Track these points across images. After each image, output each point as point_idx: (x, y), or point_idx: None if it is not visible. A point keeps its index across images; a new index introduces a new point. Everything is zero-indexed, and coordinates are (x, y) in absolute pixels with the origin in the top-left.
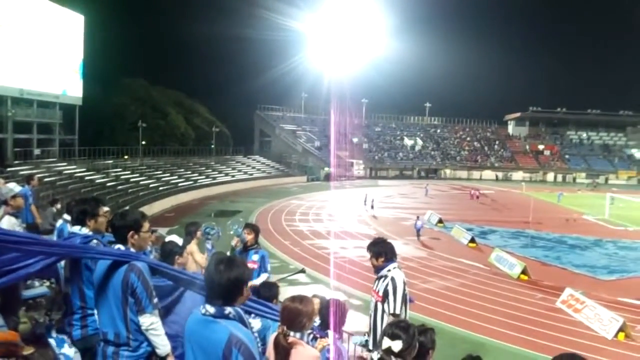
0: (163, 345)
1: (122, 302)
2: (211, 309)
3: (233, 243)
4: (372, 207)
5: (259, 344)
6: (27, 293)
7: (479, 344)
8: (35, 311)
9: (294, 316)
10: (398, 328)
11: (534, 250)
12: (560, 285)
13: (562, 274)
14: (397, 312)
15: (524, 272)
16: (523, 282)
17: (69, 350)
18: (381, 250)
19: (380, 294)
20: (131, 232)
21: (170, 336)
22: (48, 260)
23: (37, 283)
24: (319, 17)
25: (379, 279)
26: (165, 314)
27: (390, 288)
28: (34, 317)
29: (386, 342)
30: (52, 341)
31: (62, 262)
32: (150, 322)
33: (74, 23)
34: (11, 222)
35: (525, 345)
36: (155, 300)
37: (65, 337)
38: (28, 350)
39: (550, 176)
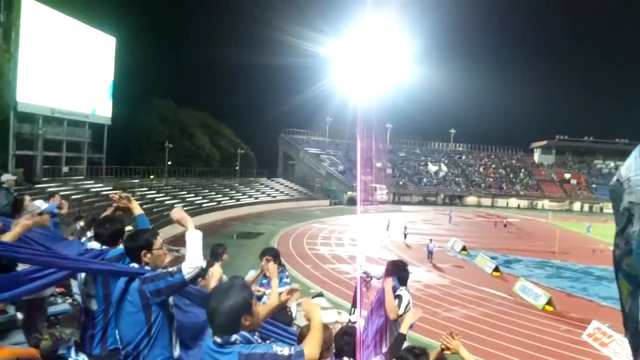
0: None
1: (145, 314)
2: (218, 339)
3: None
4: (405, 236)
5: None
6: (50, 310)
7: None
8: (56, 328)
9: None
10: (410, 353)
11: (560, 281)
12: (587, 318)
13: (588, 305)
14: (404, 332)
15: (549, 303)
16: (548, 314)
17: None
18: (393, 272)
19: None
20: (144, 252)
21: None
22: (62, 274)
23: (59, 300)
24: (344, 43)
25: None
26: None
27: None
28: (55, 334)
29: None
30: None
31: (82, 278)
32: (189, 273)
33: (106, 44)
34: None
35: None
36: (174, 268)
37: (85, 356)
38: None
39: (576, 205)
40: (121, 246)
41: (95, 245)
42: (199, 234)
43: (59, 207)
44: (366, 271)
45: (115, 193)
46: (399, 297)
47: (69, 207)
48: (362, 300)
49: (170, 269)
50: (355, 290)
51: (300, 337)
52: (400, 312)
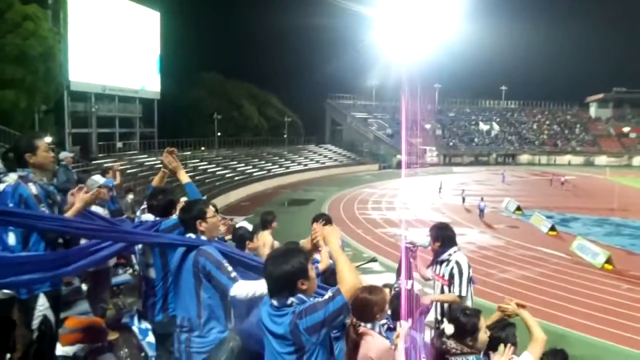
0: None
1: (195, 286)
2: (275, 302)
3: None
4: (464, 199)
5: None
6: (112, 281)
7: (561, 336)
8: (119, 298)
9: (364, 306)
10: (460, 312)
11: (619, 239)
12: None
13: None
14: (463, 294)
15: (608, 261)
16: (607, 272)
17: (152, 339)
18: (438, 235)
19: (446, 277)
20: (198, 221)
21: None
22: (120, 246)
23: (120, 271)
24: (388, 1)
25: (440, 263)
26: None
27: (456, 271)
28: (118, 303)
29: (444, 323)
30: (135, 329)
31: (140, 248)
32: (235, 293)
33: (151, 20)
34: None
35: (610, 338)
36: (233, 274)
37: (147, 324)
38: (113, 336)
39: (636, 160)
40: (174, 216)
41: (149, 217)
42: (264, 287)
43: (114, 178)
44: (412, 241)
45: (165, 151)
46: (457, 264)
47: (122, 177)
48: (411, 271)
49: (229, 268)
50: (400, 262)
51: (353, 302)
52: (464, 280)
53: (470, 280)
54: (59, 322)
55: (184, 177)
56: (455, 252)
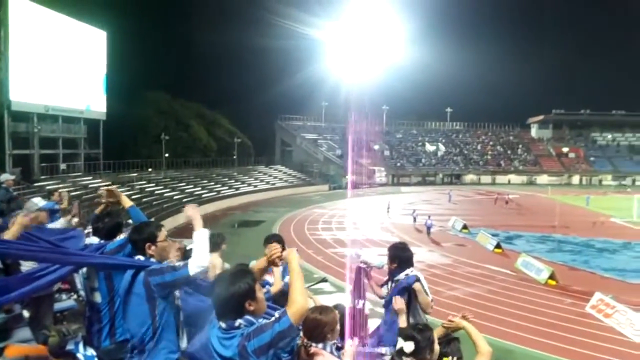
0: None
1: (149, 307)
2: (223, 325)
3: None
4: (415, 219)
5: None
6: (55, 306)
7: (507, 351)
8: (62, 325)
9: (314, 327)
10: (414, 329)
11: (562, 255)
12: (590, 290)
13: (590, 278)
14: (430, 297)
15: (551, 277)
16: (551, 288)
17: None
18: (395, 256)
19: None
20: (148, 244)
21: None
22: (65, 270)
23: (64, 296)
24: (337, 25)
25: (395, 282)
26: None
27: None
28: (62, 330)
29: (400, 343)
30: (80, 356)
31: (85, 272)
32: (194, 272)
33: (97, 39)
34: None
35: (555, 352)
36: (180, 262)
37: (93, 350)
38: None
39: (575, 179)
40: (118, 238)
41: (94, 240)
42: (207, 232)
43: (59, 202)
44: (365, 260)
45: (103, 189)
46: (417, 280)
47: (69, 200)
48: (363, 291)
49: (176, 264)
50: (355, 282)
51: (305, 321)
52: (428, 290)
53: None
54: None
55: (127, 202)
56: (412, 272)
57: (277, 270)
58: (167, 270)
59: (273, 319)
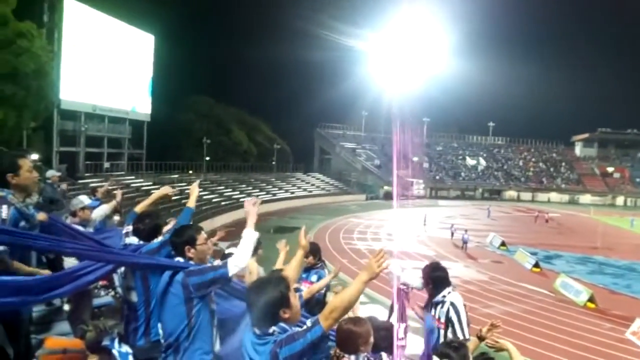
0: (241, 258)
1: (186, 308)
2: (257, 331)
3: None
4: (452, 234)
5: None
6: (94, 302)
7: None
8: (99, 320)
9: (347, 338)
10: (449, 347)
11: (602, 277)
12: (631, 315)
13: (632, 303)
14: (467, 337)
15: (591, 299)
16: (590, 311)
17: None
18: (429, 277)
19: (443, 320)
20: (187, 247)
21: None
22: (107, 268)
23: (102, 292)
24: (380, 36)
25: (435, 304)
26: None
27: (453, 314)
28: (99, 326)
29: None
30: (115, 353)
31: (122, 271)
32: (233, 272)
33: (145, 43)
34: None
35: None
36: (219, 262)
37: (128, 347)
38: (92, 358)
39: (620, 200)
40: (157, 240)
41: (133, 240)
42: (256, 235)
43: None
44: (405, 282)
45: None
46: (452, 305)
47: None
48: (405, 314)
49: (215, 264)
50: (393, 303)
51: (338, 331)
52: (464, 323)
53: (468, 322)
54: (39, 343)
55: (192, 202)
56: (449, 292)
57: (324, 279)
58: (206, 271)
59: (305, 327)
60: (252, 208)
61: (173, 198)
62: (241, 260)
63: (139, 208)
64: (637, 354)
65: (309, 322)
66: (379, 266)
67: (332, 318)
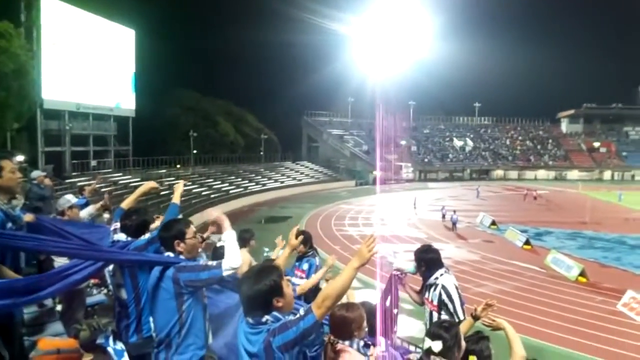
0: (233, 259)
1: (177, 304)
2: (251, 320)
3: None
4: (444, 216)
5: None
6: (87, 300)
7: (537, 349)
8: (93, 319)
9: (341, 324)
10: (440, 328)
11: (593, 252)
12: (621, 288)
13: (622, 275)
14: (462, 317)
15: (582, 274)
16: (581, 285)
17: None
18: (421, 259)
19: (435, 303)
20: (177, 241)
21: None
22: (96, 266)
23: (95, 291)
24: (363, 20)
25: (428, 287)
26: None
27: (445, 297)
28: (93, 324)
29: (427, 342)
30: (110, 350)
31: (111, 269)
32: (228, 273)
33: (126, 38)
34: None
35: (586, 350)
36: (213, 262)
37: (122, 345)
38: (87, 357)
39: (607, 174)
40: (145, 236)
41: (121, 236)
42: (235, 234)
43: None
44: (399, 267)
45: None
46: (443, 288)
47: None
48: (398, 300)
49: (209, 263)
50: (386, 289)
51: (332, 318)
52: (457, 305)
53: (462, 302)
54: (32, 345)
55: (176, 198)
56: (442, 274)
57: (318, 273)
58: (199, 269)
59: (298, 315)
60: (220, 215)
61: (162, 193)
62: (234, 262)
63: (125, 204)
64: (628, 325)
65: (301, 311)
66: (370, 251)
67: (324, 306)
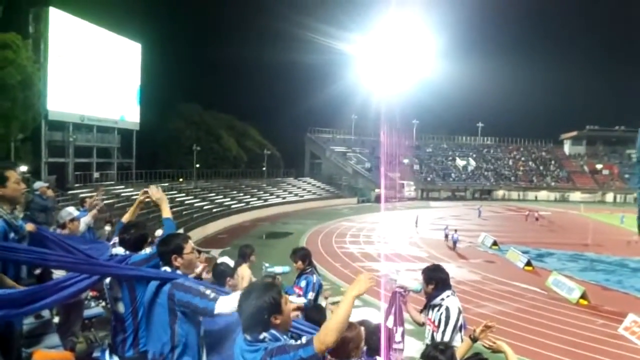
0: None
1: (170, 320)
2: (248, 337)
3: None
4: (447, 236)
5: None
6: (84, 313)
7: None
8: (90, 332)
9: (339, 343)
10: (436, 350)
11: (594, 274)
12: (623, 311)
13: (624, 299)
14: (447, 341)
15: (583, 296)
16: (582, 308)
17: None
18: (432, 277)
19: (436, 323)
20: (174, 256)
21: None
22: (93, 279)
23: (92, 303)
24: (368, 39)
25: (432, 307)
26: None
27: (443, 317)
28: (90, 337)
29: None
30: None
31: (108, 282)
32: (219, 310)
33: (132, 51)
34: None
35: None
36: (212, 294)
37: (118, 359)
38: None
39: (609, 197)
40: (145, 251)
41: (119, 250)
42: (172, 222)
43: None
44: (402, 285)
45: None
46: (446, 310)
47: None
48: (402, 317)
49: (206, 292)
50: (390, 307)
51: None
52: (449, 328)
53: (458, 326)
54: (28, 357)
55: (166, 212)
56: (448, 296)
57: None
58: (195, 293)
59: (299, 342)
60: (159, 194)
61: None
62: (230, 306)
63: (125, 218)
64: (629, 349)
65: (303, 339)
66: (370, 281)
67: (326, 343)
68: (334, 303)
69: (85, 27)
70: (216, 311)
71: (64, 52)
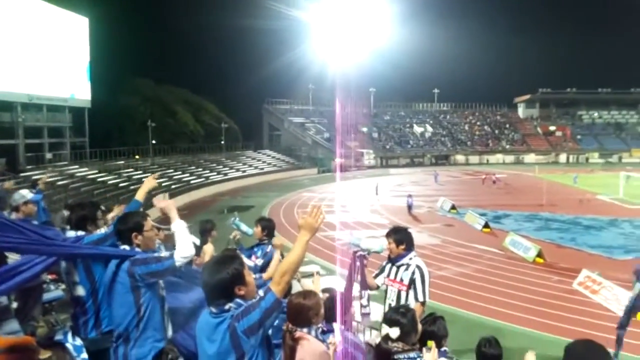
0: (185, 249)
1: (134, 297)
2: (214, 309)
3: (231, 236)
4: (409, 205)
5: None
6: (44, 297)
7: (496, 329)
8: (51, 315)
9: (299, 312)
10: (397, 313)
11: (549, 233)
12: (577, 267)
13: (578, 255)
14: (427, 299)
15: (539, 255)
16: (539, 265)
17: (87, 355)
18: (403, 239)
19: (406, 282)
20: (134, 234)
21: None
22: (50, 261)
23: (52, 286)
24: (323, 6)
25: (398, 267)
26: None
27: (417, 276)
28: (50, 320)
29: (385, 329)
30: (69, 347)
31: (64, 266)
32: (180, 262)
33: (79, 26)
34: None
35: (543, 329)
36: (166, 253)
37: (81, 340)
38: (45, 354)
39: (562, 157)
40: (99, 231)
41: (71, 233)
42: (184, 224)
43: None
44: (366, 247)
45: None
46: (418, 268)
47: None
48: (366, 281)
49: (162, 254)
50: (352, 272)
51: (289, 306)
52: (427, 286)
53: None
54: None
55: (140, 195)
56: (415, 256)
57: (276, 258)
58: (152, 261)
59: (258, 297)
60: (165, 202)
61: (120, 185)
62: (186, 251)
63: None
64: (584, 303)
65: (261, 292)
66: (317, 220)
67: (283, 282)
68: (304, 276)
69: (27, 1)
70: (177, 263)
71: (6, 29)
